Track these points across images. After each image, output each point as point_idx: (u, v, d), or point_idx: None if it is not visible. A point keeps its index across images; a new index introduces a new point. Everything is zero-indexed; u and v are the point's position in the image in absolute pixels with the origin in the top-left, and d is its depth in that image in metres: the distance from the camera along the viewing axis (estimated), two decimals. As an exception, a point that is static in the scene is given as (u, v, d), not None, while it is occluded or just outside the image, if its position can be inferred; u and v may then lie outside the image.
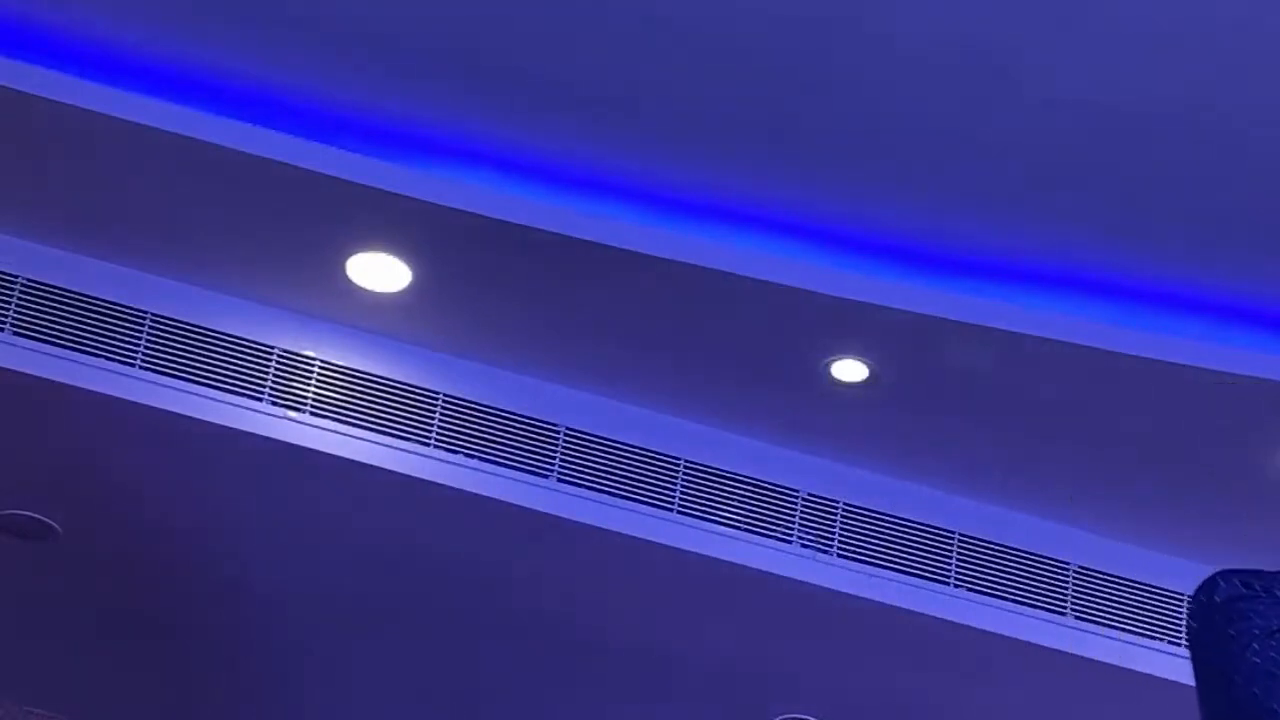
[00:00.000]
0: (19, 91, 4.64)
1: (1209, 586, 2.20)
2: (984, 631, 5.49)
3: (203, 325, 5.23)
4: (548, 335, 5.29)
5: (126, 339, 5.16)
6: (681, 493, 5.42)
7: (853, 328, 4.96)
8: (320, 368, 5.28)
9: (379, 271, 5.09)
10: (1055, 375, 5.01)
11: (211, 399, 5.17)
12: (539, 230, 4.81)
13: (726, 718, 6.18)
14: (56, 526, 5.61)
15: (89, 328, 5.15)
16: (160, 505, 5.54)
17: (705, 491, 5.44)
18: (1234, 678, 2.10)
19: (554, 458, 5.37)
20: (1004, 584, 5.53)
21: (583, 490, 5.35)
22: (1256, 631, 2.11)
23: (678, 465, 5.44)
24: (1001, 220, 4.78)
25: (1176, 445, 5.23)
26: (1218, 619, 2.16)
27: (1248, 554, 5.62)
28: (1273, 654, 2.08)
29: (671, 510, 5.39)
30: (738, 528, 5.43)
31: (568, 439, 5.39)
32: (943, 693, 5.84)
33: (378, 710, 6.44)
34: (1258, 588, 2.16)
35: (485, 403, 5.36)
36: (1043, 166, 4.60)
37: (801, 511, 5.49)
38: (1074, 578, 5.58)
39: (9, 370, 5.08)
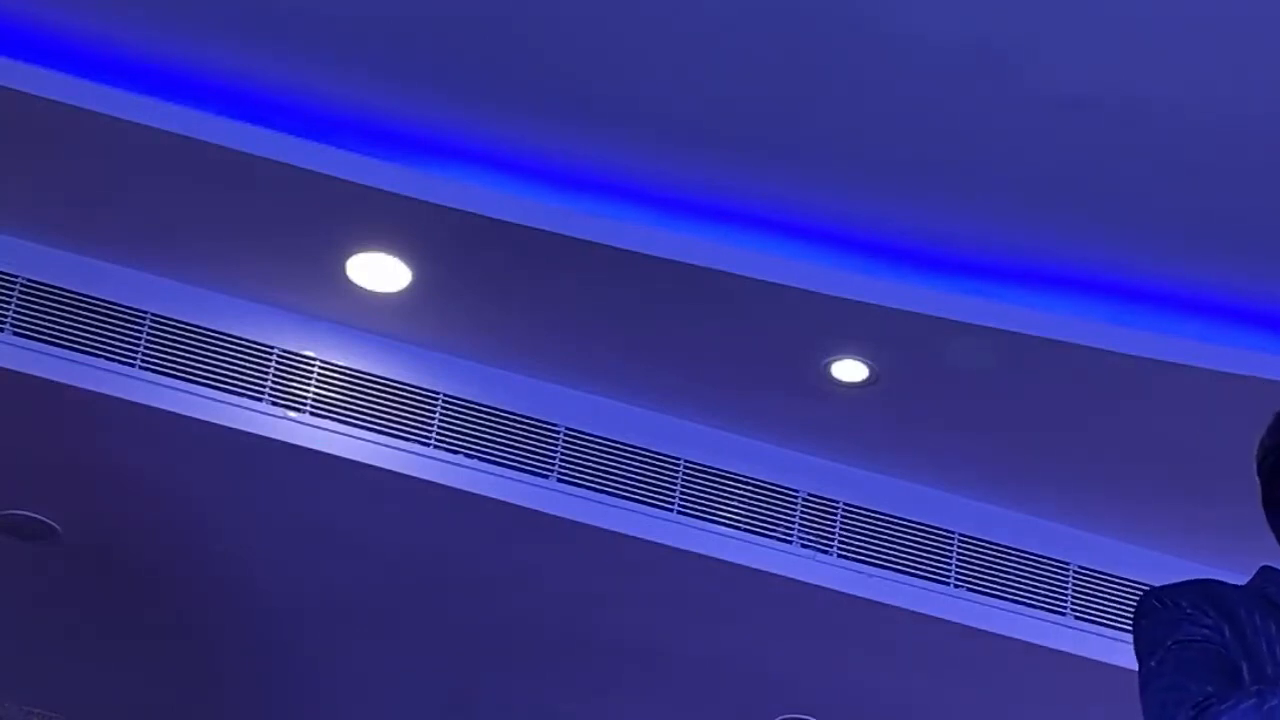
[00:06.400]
0: (19, 91, 4.64)
1: (1137, 608, 2.43)
2: (984, 631, 5.49)
3: (203, 325, 5.23)
4: (548, 335, 5.29)
5: (126, 339, 5.16)
6: (681, 493, 5.42)
7: (853, 328, 4.96)
8: (320, 368, 5.28)
9: (379, 271, 5.09)
10: (1055, 375, 5.01)
11: (211, 399, 5.17)
12: (539, 230, 4.81)
13: (726, 718, 6.18)
14: (56, 526, 5.61)
15: (89, 328, 5.15)
16: (160, 505, 5.54)
17: (705, 491, 5.44)
18: (1145, 693, 2.35)
19: (554, 458, 5.37)
20: (1004, 584, 5.53)
21: (583, 490, 5.35)
22: (1155, 644, 2.35)
23: (678, 465, 5.44)
24: (1001, 220, 4.78)
25: (1176, 445, 5.23)
26: (1141, 638, 2.36)
27: (1247, 554, 5.61)
28: (1152, 666, 2.34)
29: (671, 510, 5.39)
30: (738, 528, 5.43)
31: (568, 439, 5.39)
32: (943, 693, 5.84)
33: (378, 709, 6.44)
34: (1166, 600, 2.35)
35: (485, 403, 5.36)
36: (1043, 167, 4.60)
37: (801, 511, 5.49)
38: (1074, 578, 5.59)
39: (9, 370, 5.08)
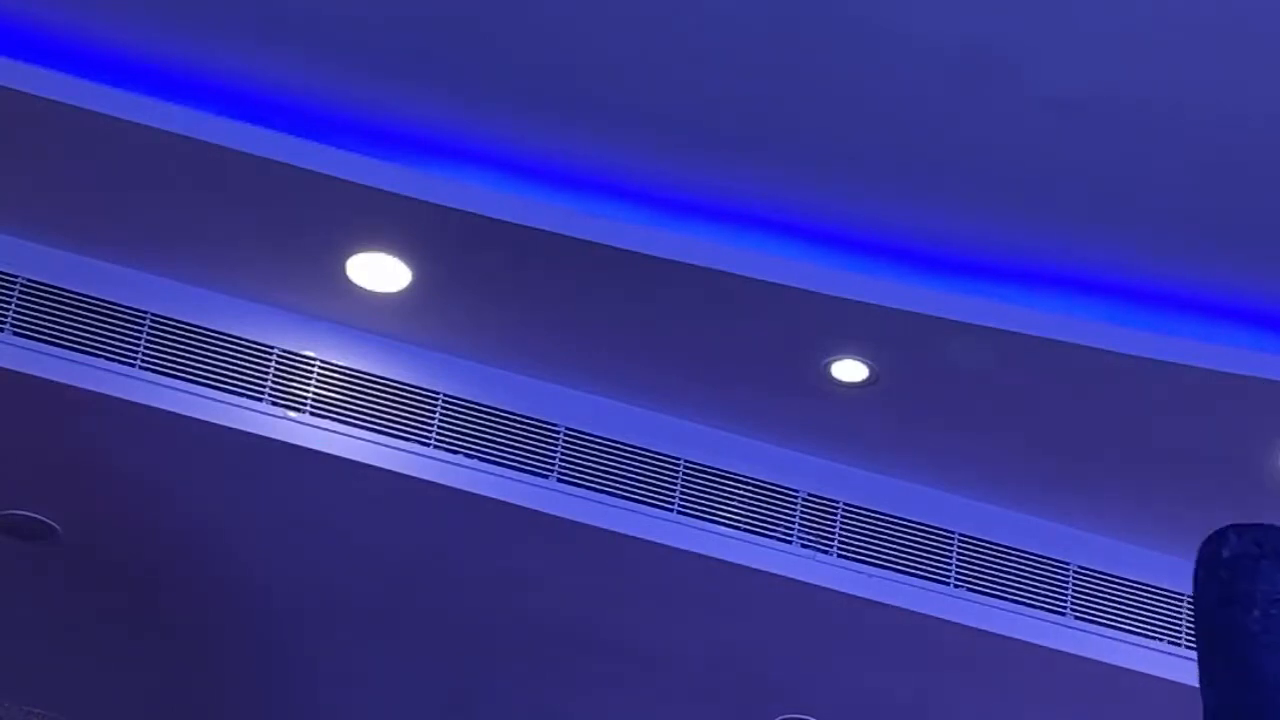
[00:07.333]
0: (19, 91, 4.64)
1: (1218, 539, 2.15)
2: (984, 631, 5.49)
3: (203, 325, 5.23)
4: (548, 335, 5.29)
5: (126, 339, 5.16)
6: (681, 493, 5.42)
7: (853, 328, 4.96)
8: (320, 368, 5.28)
9: (379, 271, 5.09)
10: (1055, 375, 5.01)
11: (211, 399, 5.17)
12: (539, 230, 4.81)
13: (726, 718, 6.18)
14: (56, 526, 5.61)
15: (89, 328, 5.15)
16: (160, 505, 5.54)
17: (705, 491, 5.44)
18: (1233, 641, 2.08)
19: (554, 458, 5.37)
20: (1004, 584, 5.53)
21: (583, 490, 5.35)
22: (1258, 597, 2.08)
23: (678, 465, 5.44)
24: (1001, 220, 4.78)
25: (1177, 445, 5.22)
26: (1223, 574, 2.12)
27: (1248, 554, 5.61)
28: (1255, 616, 2.11)
29: (671, 510, 5.39)
30: (738, 528, 5.43)
31: (568, 439, 5.39)
32: (943, 693, 5.84)
33: (378, 709, 6.44)
34: (1267, 548, 2.13)
35: (485, 403, 5.36)
36: (1043, 166, 4.60)
37: (801, 511, 5.49)
38: (1074, 578, 5.58)
39: (9, 370, 5.08)
